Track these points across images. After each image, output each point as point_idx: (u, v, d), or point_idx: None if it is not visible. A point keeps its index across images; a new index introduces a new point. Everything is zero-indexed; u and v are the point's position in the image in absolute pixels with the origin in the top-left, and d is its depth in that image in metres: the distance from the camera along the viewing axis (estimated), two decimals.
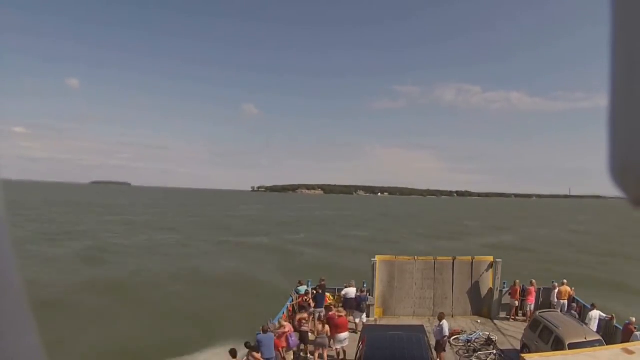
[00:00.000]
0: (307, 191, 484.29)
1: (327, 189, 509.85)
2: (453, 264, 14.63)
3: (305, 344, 11.88)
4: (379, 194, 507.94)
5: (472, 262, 14.63)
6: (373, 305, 14.33)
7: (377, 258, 14.80)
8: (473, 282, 14.50)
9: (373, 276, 14.56)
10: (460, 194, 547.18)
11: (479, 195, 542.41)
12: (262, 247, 40.06)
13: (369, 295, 14.61)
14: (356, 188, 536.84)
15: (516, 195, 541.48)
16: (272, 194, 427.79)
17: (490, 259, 14.78)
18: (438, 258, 14.91)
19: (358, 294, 13.66)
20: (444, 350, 10.99)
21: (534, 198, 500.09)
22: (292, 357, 11.62)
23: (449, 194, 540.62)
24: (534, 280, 14.47)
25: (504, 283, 14.63)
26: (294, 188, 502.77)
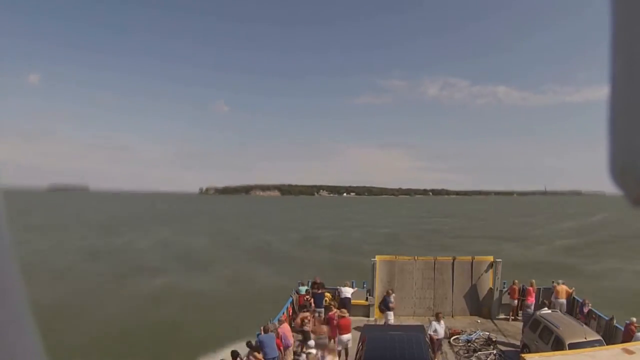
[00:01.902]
0: (261, 192, 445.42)
1: (285, 190, 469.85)
2: (453, 264, 14.69)
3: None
4: (345, 194, 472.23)
5: (472, 262, 14.69)
6: (373, 305, 14.30)
7: (377, 258, 14.77)
8: (473, 282, 14.54)
9: (373, 276, 14.54)
10: (436, 192, 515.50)
11: (457, 193, 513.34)
12: None
13: (369, 295, 14.60)
14: (319, 188, 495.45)
15: (496, 193, 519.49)
16: (220, 196, 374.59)
17: (490, 259, 14.85)
18: (438, 258, 14.96)
19: (385, 295, 13.63)
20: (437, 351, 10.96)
21: (515, 195, 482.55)
22: (292, 356, 11.47)
23: (424, 192, 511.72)
24: (533, 281, 14.50)
25: (504, 283, 14.70)
26: (246, 189, 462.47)
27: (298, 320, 12.24)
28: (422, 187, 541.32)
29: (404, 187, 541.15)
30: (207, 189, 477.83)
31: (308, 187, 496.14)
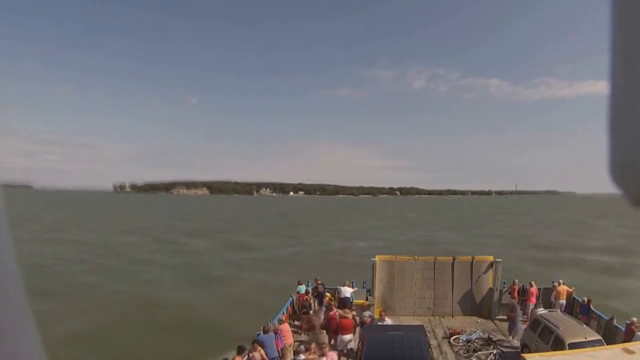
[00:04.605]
0: (185, 191, 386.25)
1: (216, 188, 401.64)
2: (453, 263, 14.72)
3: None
4: (291, 193, 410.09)
5: (472, 262, 14.73)
6: (373, 305, 14.19)
7: (377, 258, 14.72)
8: (473, 282, 14.58)
9: (373, 276, 14.50)
10: (405, 191, 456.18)
11: (430, 192, 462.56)
12: None
13: (369, 295, 14.50)
14: (259, 186, 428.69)
15: (473, 192, 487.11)
16: (136, 195, 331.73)
17: (490, 258, 14.89)
18: (438, 258, 14.97)
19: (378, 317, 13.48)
20: None
21: (493, 194, 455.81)
22: (292, 355, 11.24)
23: (390, 191, 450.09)
24: (533, 281, 14.62)
25: (504, 283, 14.78)
26: (167, 187, 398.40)
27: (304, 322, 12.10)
28: (388, 186, 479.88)
29: (366, 185, 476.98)
30: (121, 186, 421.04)
31: (246, 184, 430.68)
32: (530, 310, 13.79)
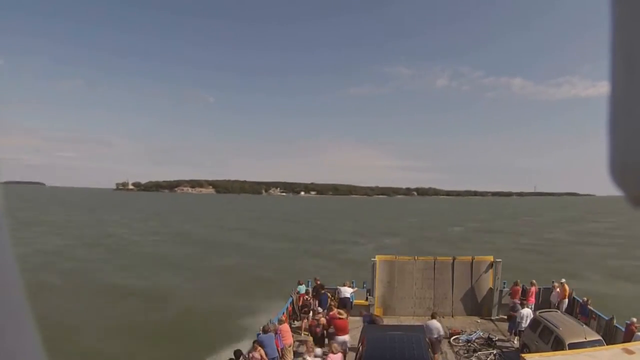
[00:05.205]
0: (190, 189, 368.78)
1: (222, 187, 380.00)
2: (453, 264, 14.70)
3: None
4: (302, 193, 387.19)
5: (472, 262, 14.70)
6: (373, 305, 14.29)
7: (377, 258, 14.79)
8: (473, 282, 14.56)
9: (373, 276, 14.55)
10: (423, 191, 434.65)
11: (448, 193, 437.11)
12: None
13: (369, 295, 14.60)
14: (269, 185, 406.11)
15: (493, 194, 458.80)
16: (137, 193, 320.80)
17: (490, 258, 14.86)
18: (438, 258, 14.96)
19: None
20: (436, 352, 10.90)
21: (514, 196, 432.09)
22: (292, 355, 11.44)
23: (407, 192, 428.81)
24: (534, 281, 14.58)
25: (504, 283, 14.73)
26: (171, 186, 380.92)
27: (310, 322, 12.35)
28: (405, 186, 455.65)
29: (382, 185, 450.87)
30: (123, 184, 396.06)
31: (254, 183, 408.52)
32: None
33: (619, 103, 0.37)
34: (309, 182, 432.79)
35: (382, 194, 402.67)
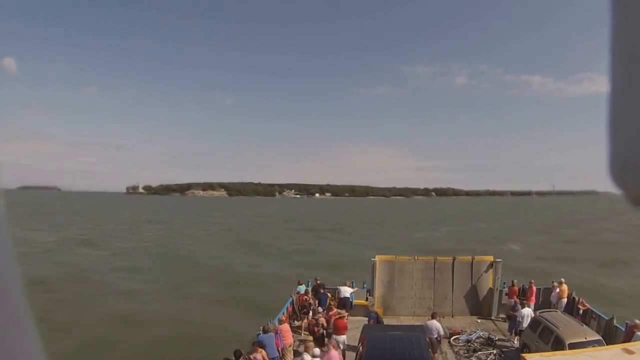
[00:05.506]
0: (201, 192, 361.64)
1: (234, 189, 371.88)
2: (453, 264, 14.66)
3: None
4: (317, 194, 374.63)
5: (472, 262, 14.66)
6: (373, 305, 14.34)
7: (377, 258, 14.82)
8: (473, 282, 14.53)
9: (373, 276, 14.58)
10: (441, 192, 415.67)
11: (467, 193, 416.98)
12: None
13: (369, 295, 14.66)
14: (282, 187, 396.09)
15: (512, 193, 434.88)
16: (148, 196, 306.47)
17: (490, 258, 14.82)
18: (438, 258, 14.93)
19: None
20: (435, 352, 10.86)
21: (534, 195, 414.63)
22: (292, 355, 11.59)
23: (425, 192, 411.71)
24: (533, 281, 14.51)
25: (504, 283, 14.68)
26: (182, 189, 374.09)
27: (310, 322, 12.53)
28: (423, 187, 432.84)
29: (399, 186, 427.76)
30: (133, 187, 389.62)
31: (267, 185, 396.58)
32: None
33: (619, 103, 0.37)
34: (324, 183, 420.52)
35: (399, 195, 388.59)
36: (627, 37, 0.35)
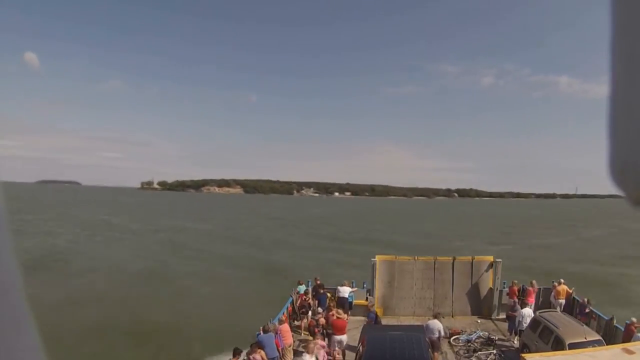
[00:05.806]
0: (217, 189, 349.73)
1: (251, 186, 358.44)
2: (453, 264, 14.59)
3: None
4: (336, 193, 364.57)
5: (472, 262, 14.61)
6: (373, 305, 14.35)
7: (377, 258, 14.83)
8: (473, 282, 14.47)
9: (373, 276, 14.59)
10: (463, 193, 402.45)
11: (490, 195, 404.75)
12: None
13: (369, 295, 14.69)
14: (301, 185, 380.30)
15: (536, 195, 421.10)
16: (162, 192, 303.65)
17: (490, 258, 14.76)
18: (438, 258, 14.86)
19: None
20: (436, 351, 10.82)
21: (558, 198, 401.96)
22: (292, 355, 11.75)
23: (447, 193, 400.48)
24: (534, 281, 14.40)
25: (504, 283, 14.59)
26: (197, 185, 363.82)
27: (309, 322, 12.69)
28: (445, 187, 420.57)
29: (420, 186, 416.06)
30: (148, 183, 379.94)
31: (285, 183, 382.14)
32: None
33: (619, 103, 0.37)
34: (344, 182, 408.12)
35: (421, 195, 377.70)
36: (627, 37, 0.35)
